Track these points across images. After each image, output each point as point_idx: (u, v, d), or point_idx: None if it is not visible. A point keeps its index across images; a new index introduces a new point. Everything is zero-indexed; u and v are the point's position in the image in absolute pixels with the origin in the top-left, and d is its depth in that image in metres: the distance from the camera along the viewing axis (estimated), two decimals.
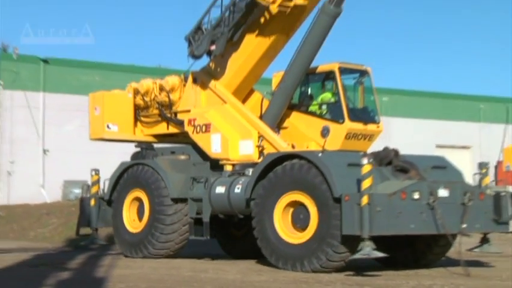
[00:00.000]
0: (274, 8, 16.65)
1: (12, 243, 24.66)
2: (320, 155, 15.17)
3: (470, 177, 42.43)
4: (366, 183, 13.62)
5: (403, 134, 43.57)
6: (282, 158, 15.69)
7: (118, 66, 37.51)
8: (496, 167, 44.76)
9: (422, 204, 14.31)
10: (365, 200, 13.39)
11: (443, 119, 46.79)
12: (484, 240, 16.51)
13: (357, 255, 13.84)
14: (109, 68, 37.20)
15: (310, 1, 16.90)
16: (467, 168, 45.39)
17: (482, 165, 16.76)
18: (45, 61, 37.70)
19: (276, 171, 15.56)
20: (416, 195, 14.29)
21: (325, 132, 17.16)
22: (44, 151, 35.27)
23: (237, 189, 16.43)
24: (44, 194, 34.20)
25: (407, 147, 36.85)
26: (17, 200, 33.54)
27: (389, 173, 15.40)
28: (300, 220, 15.10)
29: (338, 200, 13.93)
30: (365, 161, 13.94)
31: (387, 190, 14.24)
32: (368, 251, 13.60)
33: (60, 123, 35.03)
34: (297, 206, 15.18)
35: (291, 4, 16.69)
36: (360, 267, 15.07)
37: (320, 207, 14.50)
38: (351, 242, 13.91)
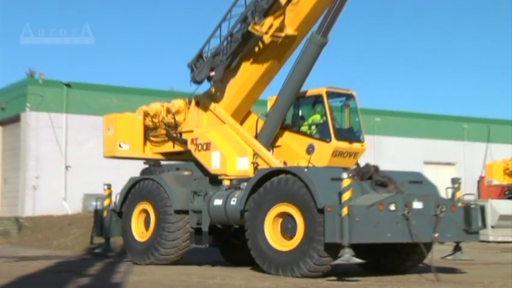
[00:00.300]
0: (267, 38, 16.84)
1: (37, 252, 24.73)
2: (306, 170, 15.38)
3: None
4: (346, 196, 13.79)
5: (394, 151, 43.74)
6: (272, 173, 15.87)
7: (134, 89, 37.49)
8: (478, 182, 44.71)
9: (398, 215, 14.41)
10: (345, 211, 13.56)
11: (430, 137, 46.74)
12: (457, 249, 16.58)
13: (337, 261, 14.00)
14: (125, 91, 37.06)
15: (300, 32, 17.07)
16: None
17: (455, 181, 16.78)
18: (68, 85, 37.75)
19: (266, 185, 15.70)
20: (392, 207, 14.42)
21: (310, 150, 17.27)
22: (66, 167, 35.31)
23: (233, 202, 16.53)
24: (66, 206, 34.27)
25: (397, 163, 37.33)
26: (41, 212, 33.75)
27: (369, 187, 15.57)
28: (288, 229, 15.22)
29: (321, 211, 14.08)
30: (345, 175, 14.11)
31: (366, 202, 14.40)
32: (347, 257, 13.76)
33: (81, 141, 34.94)
34: (286, 217, 15.30)
35: (282, 35, 16.90)
36: (345, 272, 15.14)
37: (305, 217, 14.66)
38: (333, 249, 14.03)
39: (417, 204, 14.88)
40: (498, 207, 30.63)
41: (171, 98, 20.37)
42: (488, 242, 28.54)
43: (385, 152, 42.75)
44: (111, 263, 18.49)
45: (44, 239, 29.24)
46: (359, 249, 15.42)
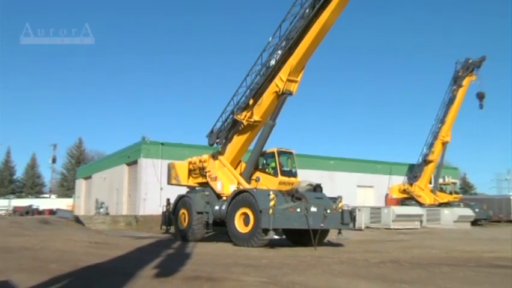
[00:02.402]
0: (245, 122, 17.95)
1: (146, 234, 24.52)
2: (255, 190, 16.33)
3: (372, 201, 41.89)
4: (271, 203, 14.91)
5: (341, 180, 42.29)
6: (240, 192, 16.67)
7: (198, 146, 34.41)
8: (385, 197, 43.93)
9: (301, 214, 15.28)
10: (271, 211, 14.71)
11: (360, 172, 45.45)
12: (339, 232, 16.94)
13: (267, 237, 15.02)
14: (194, 147, 35.04)
15: (262, 118, 17.74)
16: (371, 197, 45.01)
17: (338, 197, 16.82)
18: (162, 144, 37.06)
19: (237, 198, 16.50)
20: (298, 210, 15.39)
21: (257, 179, 17.93)
22: (161, 188, 33.78)
23: (223, 207, 17.26)
24: (160, 210, 33.40)
25: (343, 187, 37.31)
26: (148, 213, 33.16)
27: (290, 200, 16.30)
28: (246, 221, 15.92)
29: (261, 211, 15.04)
30: (271, 193, 15.28)
31: (283, 206, 15.35)
32: (271, 235, 14.90)
33: None
34: (245, 215, 16.01)
35: (252, 120, 17.82)
36: (277, 245, 15.60)
37: (254, 214, 15.55)
38: (266, 231, 15.00)
39: (313, 209, 15.62)
40: (396, 210, 30.94)
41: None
42: (391, 229, 28.80)
43: (336, 180, 41.57)
44: (183, 242, 17.98)
45: (149, 228, 29.09)
46: (288, 233, 16.46)
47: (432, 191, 38.70)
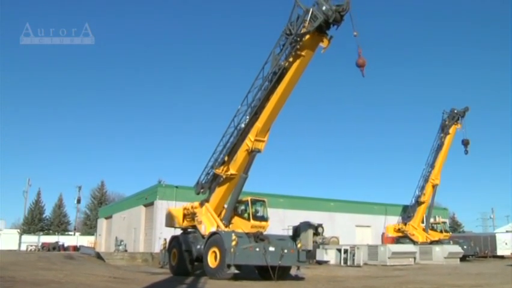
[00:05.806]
0: (223, 175, 19.59)
1: (160, 270, 24.25)
2: (223, 232, 17.82)
3: (369, 239, 42.89)
4: (233, 243, 16.66)
5: (341, 220, 43.01)
6: (213, 234, 18.27)
7: None
8: (382, 235, 44.59)
9: (260, 253, 17.04)
10: (232, 250, 16.57)
11: (358, 213, 46.34)
12: (298, 268, 18.33)
13: (229, 272, 16.62)
14: None
15: (238, 172, 19.23)
16: (369, 236, 45.40)
17: (297, 239, 18.26)
18: (176, 187, 37.69)
19: (210, 238, 18.19)
20: (257, 249, 17.11)
21: (227, 223, 19.46)
22: (174, 228, 34.60)
23: (202, 246, 18.90)
24: None
25: (342, 227, 39.13)
26: None
27: (254, 241, 17.78)
28: (215, 257, 17.48)
29: (225, 250, 16.71)
30: (233, 234, 16.98)
31: (244, 246, 16.94)
32: (232, 270, 16.63)
33: None
34: (215, 252, 17.55)
35: (229, 173, 19.40)
36: (243, 278, 16.71)
37: (221, 252, 17.14)
38: (229, 266, 16.65)
39: (271, 248, 17.33)
40: (391, 248, 32.09)
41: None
42: (387, 265, 29.84)
43: (336, 221, 42.30)
44: (193, 278, 18.21)
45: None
46: (259, 269, 18.16)
47: (424, 230, 40.04)
